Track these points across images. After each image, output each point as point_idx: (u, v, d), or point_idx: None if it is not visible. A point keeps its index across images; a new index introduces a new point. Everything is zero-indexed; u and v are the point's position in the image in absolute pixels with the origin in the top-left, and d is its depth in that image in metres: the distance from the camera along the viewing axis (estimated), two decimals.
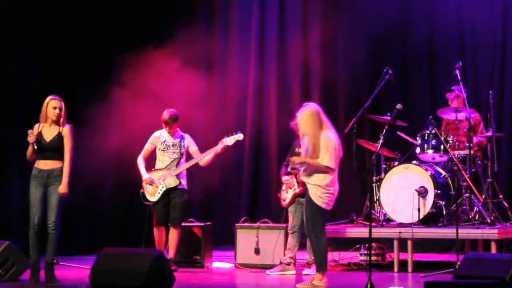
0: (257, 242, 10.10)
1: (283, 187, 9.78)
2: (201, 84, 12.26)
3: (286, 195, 9.69)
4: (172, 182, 9.99)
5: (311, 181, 8.13)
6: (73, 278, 9.04)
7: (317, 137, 8.08)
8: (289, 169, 9.62)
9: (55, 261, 8.76)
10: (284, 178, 9.73)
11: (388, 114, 9.94)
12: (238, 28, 13.09)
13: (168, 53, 11.91)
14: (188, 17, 12.95)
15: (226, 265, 10.48)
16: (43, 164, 8.65)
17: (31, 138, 8.62)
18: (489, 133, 10.20)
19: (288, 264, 9.53)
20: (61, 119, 8.70)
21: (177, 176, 10.00)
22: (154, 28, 12.64)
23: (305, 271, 9.43)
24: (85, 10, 12.29)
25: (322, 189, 8.08)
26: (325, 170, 8.06)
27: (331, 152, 8.03)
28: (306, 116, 8.19)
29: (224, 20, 13.15)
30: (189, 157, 10.15)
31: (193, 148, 10.16)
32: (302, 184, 9.35)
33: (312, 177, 8.13)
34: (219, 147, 9.99)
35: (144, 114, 11.23)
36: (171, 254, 9.84)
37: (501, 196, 10.32)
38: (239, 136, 10.03)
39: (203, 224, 10.50)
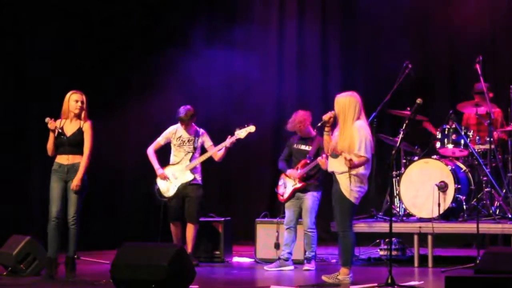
0: (277, 237, 10.08)
1: (280, 182, 9.70)
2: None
3: (285, 190, 9.62)
4: (186, 177, 9.95)
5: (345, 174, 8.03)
6: (93, 273, 9.07)
7: (350, 125, 8.01)
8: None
9: (76, 256, 8.78)
10: (289, 172, 9.61)
11: (408, 108, 9.91)
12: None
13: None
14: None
15: (246, 260, 10.50)
16: (64, 159, 8.63)
17: (51, 125, 8.53)
18: (510, 128, 10.15)
19: (286, 259, 9.49)
20: (83, 113, 8.66)
21: (191, 170, 9.96)
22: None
23: (305, 267, 9.39)
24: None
25: (355, 184, 8.02)
26: (363, 162, 7.99)
27: (367, 142, 7.97)
28: (348, 102, 8.10)
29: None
30: (204, 152, 10.07)
31: (208, 143, 10.07)
32: (302, 179, 9.34)
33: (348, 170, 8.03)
34: (232, 139, 9.84)
35: (165, 107, 11.25)
36: (189, 249, 9.78)
37: None
38: (251, 129, 9.90)
39: (223, 219, 10.51)
